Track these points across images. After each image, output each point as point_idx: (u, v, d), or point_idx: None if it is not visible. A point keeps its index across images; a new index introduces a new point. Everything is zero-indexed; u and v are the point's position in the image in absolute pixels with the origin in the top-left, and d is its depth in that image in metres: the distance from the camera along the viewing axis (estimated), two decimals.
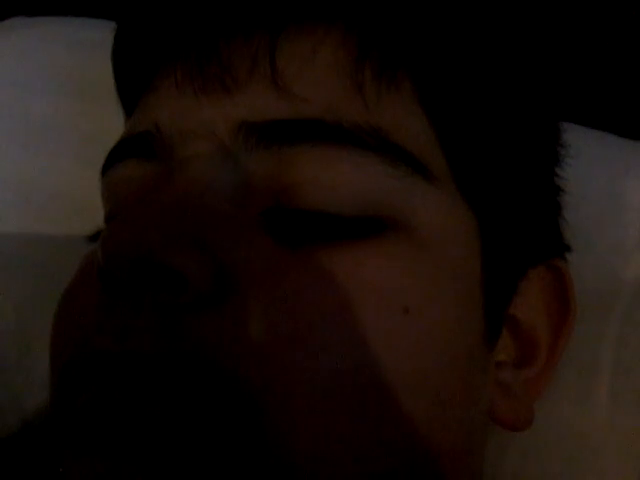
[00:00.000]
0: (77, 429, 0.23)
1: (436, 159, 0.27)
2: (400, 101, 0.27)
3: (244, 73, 0.26)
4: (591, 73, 0.45)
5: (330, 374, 0.23)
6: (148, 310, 0.23)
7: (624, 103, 0.46)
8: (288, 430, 0.22)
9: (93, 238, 0.31)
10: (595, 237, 0.37)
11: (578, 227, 0.35)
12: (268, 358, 0.22)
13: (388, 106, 0.26)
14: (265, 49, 0.26)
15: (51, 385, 0.27)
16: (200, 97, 0.26)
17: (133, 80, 0.30)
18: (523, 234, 0.30)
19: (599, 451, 0.34)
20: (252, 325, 0.23)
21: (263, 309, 0.23)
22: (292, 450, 0.22)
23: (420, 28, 0.27)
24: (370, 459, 0.24)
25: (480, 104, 0.28)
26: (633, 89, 0.47)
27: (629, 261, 0.37)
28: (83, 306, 0.25)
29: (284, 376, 0.22)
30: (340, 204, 0.25)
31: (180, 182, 0.25)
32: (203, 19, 0.27)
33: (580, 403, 0.35)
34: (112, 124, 0.34)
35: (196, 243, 0.23)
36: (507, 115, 0.29)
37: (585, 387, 0.35)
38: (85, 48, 0.46)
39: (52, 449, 0.25)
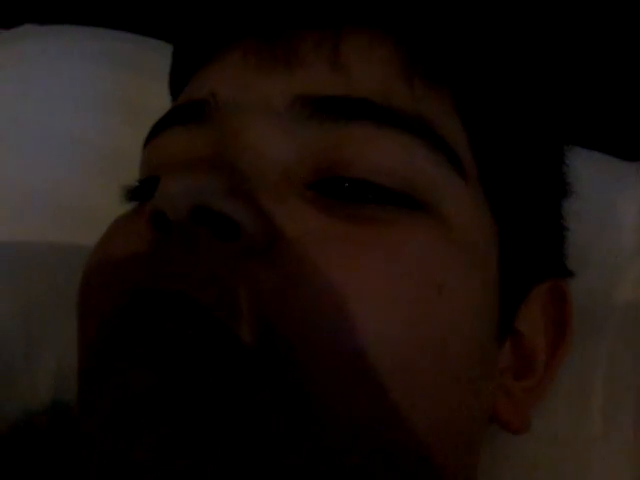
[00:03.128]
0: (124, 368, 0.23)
1: (469, 162, 0.29)
2: (442, 104, 0.29)
3: (307, 52, 0.28)
4: (585, 96, 0.46)
5: (366, 338, 0.24)
6: (202, 255, 0.24)
7: (618, 124, 0.47)
8: (327, 392, 0.23)
9: (132, 196, 0.32)
10: (589, 255, 0.38)
11: (572, 245, 0.36)
12: (305, 317, 0.23)
13: (432, 103, 0.28)
14: (330, 35, 0.28)
15: (84, 338, 0.27)
16: (262, 70, 0.28)
17: (194, 56, 0.32)
18: (536, 247, 0.32)
19: (592, 465, 0.35)
20: (297, 282, 0.24)
21: (310, 272, 0.24)
22: (331, 416, 0.23)
23: (462, 50, 0.30)
24: (395, 427, 0.25)
25: (508, 122, 0.30)
26: (628, 111, 0.48)
27: (621, 279, 0.38)
28: (129, 250, 0.26)
29: (326, 337, 0.23)
30: (387, 177, 0.26)
31: (234, 147, 0.27)
32: (277, 6, 0.29)
33: (574, 418, 0.36)
34: (126, 136, 0.35)
35: (250, 199, 0.25)
36: (530, 132, 0.32)
37: (579, 403, 0.36)
38: (103, 59, 0.46)
39: (56, 445, 0.26)
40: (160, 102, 0.38)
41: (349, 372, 0.24)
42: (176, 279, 0.24)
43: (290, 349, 0.23)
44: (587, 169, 0.39)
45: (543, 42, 0.35)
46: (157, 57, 0.46)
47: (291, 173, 0.27)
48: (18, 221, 0.42)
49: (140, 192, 0.32)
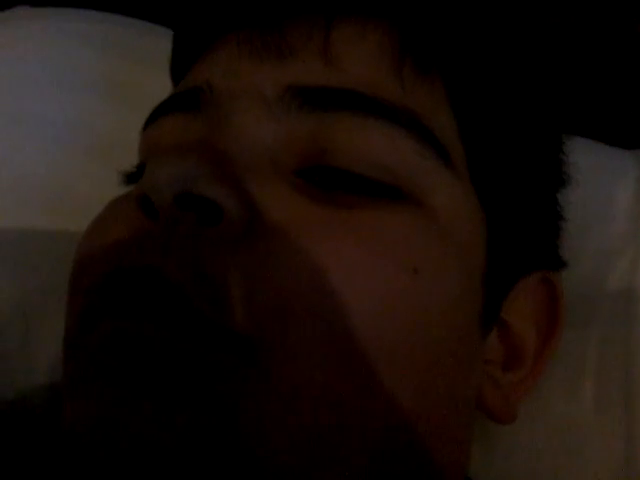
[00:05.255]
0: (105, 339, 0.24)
1: (457, 152, 0.29)
2: (432, 94, 0.29)
3: (299, 43, 0.29)
4: (580, 83, 0.46)
5: (342, 319, 0.24)
6: (184, 238, 0.24)
7: (613, 112, 0.47)
8: (301, 368, 0.24)
9: (128, 180, 0.33)
10: (582, 243, 0.39)
11: (567, 232, 0.36)
12: (286, 299, 0.24)
13: (421, 95, 0.29)
14: (321, 26, 0.29)
15: (70, 311, 0.28)
16: (254, 60, 0.29)
17: (192, 46, 0.33)
18: (525, 238, 0.32)
19: (585, 445, 0.36)
20: (276, 265, 0.24)
21: (288, 254, 0.25)
22: (294, 397, 0.24)
23: (454, 39, 0.30)
24: (367, 410, 0.25)
25: (499, 110, 0.31)
26: (622, 98, 0.48)
27: (613, 267, 0.39)
28: (118, 231, 0.27)
29: (299, 318, 0.24)
30: (369, 167, 0.27)
31: (224, 133, 0.28)
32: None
33: (567, 400, 0.37)
34: (124, 120, 0.35)
35: (235, 184, 0.25)
36: (523, 122, 0.32)
37: (571, 385, 0.37)
38: (97, 42, 0.46)
39: (52, 427, 0.26)
40: (154, 86, 0.38)
41: (325, 348, 0.24)
42: (156, 259, 0.24)
43: (268, 329, 0.24)
44: (582, 157, 0.39)
45: (537, 30, 0.35)
46: (151, 40, 0.46)
47: (279, 160, 0.27)
48: (14, 207, 0.42)
49: (136, 177, 0.32)
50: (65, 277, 0.29)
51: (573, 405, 0.36)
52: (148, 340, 0.23)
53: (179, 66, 0.35)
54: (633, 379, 0.36)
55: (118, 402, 0.23)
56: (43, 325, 0.40)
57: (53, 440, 0.27)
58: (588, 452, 0.36)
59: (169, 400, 0.23)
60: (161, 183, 0.24)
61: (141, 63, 0.45)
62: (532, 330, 0.33)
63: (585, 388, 0.37)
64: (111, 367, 0.24)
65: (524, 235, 0.32)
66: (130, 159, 0.33)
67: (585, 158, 0.39)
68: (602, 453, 0.35)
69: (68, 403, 0.25)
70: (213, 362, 0.24)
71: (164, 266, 0.24)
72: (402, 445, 0.26)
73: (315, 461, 0.25)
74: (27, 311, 0.41)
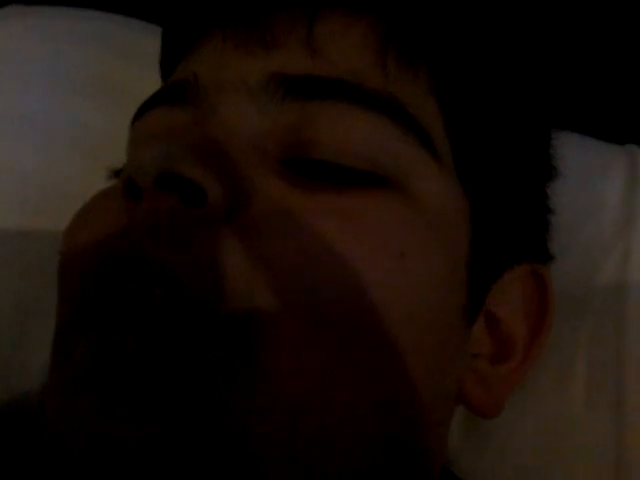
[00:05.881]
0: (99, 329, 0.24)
1: (442, 142, 0.29)
2: (417, 84, 0.29)
3: (283, 35, 0.29)
4: (570, 76, 0.46)
5: (328, 305, 0.25)
6: (167, 220, 0.25)
7: (603, 106, 0.47)
8: (281, 360, 0.24)
9: (115, 175, 0.33)
10: (572, 237, 0.39)
11: (556, 227, 0.37)
12: (268, 282, 0.24)
13: (406, 84, 0.29)
14: (305, 18, 0.29)
15: (60, 307, 0.28)
16: (239, 52, 0.29)
17: (180, 42, 0.33)
18: (511, 230, 0.32)
19: (576, 440, 0.36)
20: (257, 248, 0.25)
21: (270, 237, 0.25)
22: (284, 383, 0.24)
23: (440, 31, 0.30)
24: (354, 394, 0.25)
25: (485, 102, 0.31)
26: (611, 93, 0.48)
27: (603, 262, 0.39)
28: (102, 221, 0.27)
29: (284, 301, 0.24)
30: (352, 157, 0.27)
31: (210, 123, 0.28)
32: None
33: (558, 396, 0.37)
34: (117, 118, 0.35)
35: (218, 167, 0.25)
36: (509, 115, 0.32)
37: (562, 380, 0.37)
38: (90, 41, 0.46)
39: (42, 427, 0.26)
40: (148, 85, 0.38)
41: (307, 330, 0.24)
42: (139, 244, 0.24)
43: (250, 308, 0.24)
44: (572, 152, 0.39)
45: (525, 21, 0.35)
46: (145, 39, 0.46)
47: (263, 148, 0.28)
48: (8, 209, 0.42)
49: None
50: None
51: (564, 400, 0.37)
52: (134, 353, 0.23)
53: (168, 62, 0.35)
54: (624, 374, 0.36)
55: (106, 414, 0.23)
56: (38, 327, 0.40)
57: (46, 444, 0.27)
58: (579, 447, 0.36)
59: (160, 411, 0.23)
60: (145, 163, 0.24)
61: (135, 62, 0.45)
62: (522, 323, 0.33)
63: (576, 383, 0.37)
64: (97, 380, 0.24)
65: (509, 226, 0.32)
66: (120, 157, 0.33)
67: (575, 153, 0.40)
68: (593, 448, 0.36)
69: (52, 411, 0.25)
70: (210, 363, 0.24)
71: (149, 251, 0.24)
72: (384, 432, 0.27)
73: (310, 458, 0.25)
74: (22, 313, 0.41)
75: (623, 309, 0.38)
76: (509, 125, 0.32)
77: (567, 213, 0.37)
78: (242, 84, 0.28)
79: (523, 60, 0.33)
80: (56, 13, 0.49)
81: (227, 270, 0.24)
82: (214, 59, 0.30)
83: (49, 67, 0.46)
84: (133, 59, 0.46)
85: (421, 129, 0.28)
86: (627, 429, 0.36)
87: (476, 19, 0.32)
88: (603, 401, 0.36)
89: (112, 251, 0.25)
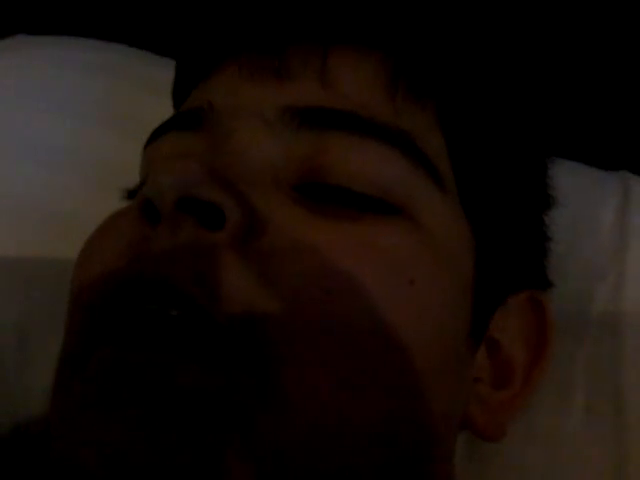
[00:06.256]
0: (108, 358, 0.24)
1: (447, 174, 0.30)
2: (424, 117, 0.30)
3: (298, 67, 0.30)
4: (567, 109, 0.47)
5: (340, 328, 0.25)
6: (186, 242, 0.25)
7: (598, 135, 0.48)
8: (298, 380, 0.24)
9: (129, 195, 0.34)
10: (569, 262, 0.40)
11: (553, 252, 0.37)
12: (281, 307, 0.25)
13: (414, 118, 0.30)
14: (319, 51, 0.30)
15: (71, 326, 0.28)
16: (255, 82, 0.30)
17: (194, 71, 0.34)
18: (513, 257, 0.33)
19: (576, 459, 0.36)
20: (274, 272, 0.25)
21: (286, 262, 0.25)
22: (300, 402, 0.24)
23: (446, 67, 0.31)
24: (367, 413, 0.26)
25: (487, 136, 0.32)
26: (605, 122, 0.49)
27: (600, 285, 0.40)
28: (117, 242, 0.27)
29: (296, 326, 0.25)
30: (365, 185, 0.28)
31: (225, 149, 0.29)
32: (270, 24, 0.31)
33: (558, 415, 0.37)
34: (123, 147, 0.35)
35: (236, 192, 0.26)
36: (510, 147, 0.33)
37: (562, 400, 0.37)
38: (96, 70, 0.47)
39: (46, 454, 0.26)
40: (154, 114, 0.38)
41: (318, 355, 0.25)
42: (160, 266, 0.25)
43: (263, 332, 0.24)
44: (567, 179, 0.40)
45: (523, 57, 0.36)
46: (151, 69, 0.47)
47: (278, 175, 0.28)
48: (12, 229, 0.43)
49: (137, 194, 0.32)
50: (62, 298, 0.30)
51: (564, 420, 0.37)
52: (150, 371, 0.24)
53: (181, 90, 0.36)
54: (622, 394, 0.37)
55: (123, 430, 0.23)
56: (41, 346, 0.40)
57: (51, 467, 0.27)
58: (579, 466, 0.36)
59: (179, 430, 0.23)
60: (164, 186, 0.25)
61: (140, 91, 0.46)
62: (522, 349, 0.33)
63: (575, 403, 0.37)
64: (114, 396, 0.24)
65: (511, 254, 0.33)
66: (127, 184, 0.34)
67: (570, 180, 0.40)
68: (593, 467, 0.36)
69: (62, 430, 0.25)
70: (228, 384, 0.24)
71: (170, 273, 0.24)
72: (380, 451, 0.27)
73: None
74: (24, 332, 0.41)
75: (620, 331, 0.38)
76: (510, 157, 0.33)
77: (563, 239, 0.38)
78: (257, 113, 0.29)
79: (523, 93, 0.35)
80: (63, 43, 0.50)
81: (244, 292, 0.25)
82: (229, 88, 0.31)
83: (54, 96, 0.47)
84: (139, 89, 0.47)
85: (429, 161, 0.29)
86: (627, 449, 0.36)
87: (480, 57, 0.33)
88: (603, 422, 0.37)
89: (130, 271, 0.25)
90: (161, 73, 0.38)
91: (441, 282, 0.28)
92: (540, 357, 0.34)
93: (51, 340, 0.38)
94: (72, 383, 0.26)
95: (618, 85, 0.49)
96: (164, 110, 0.37)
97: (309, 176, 0.28)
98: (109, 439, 0.23)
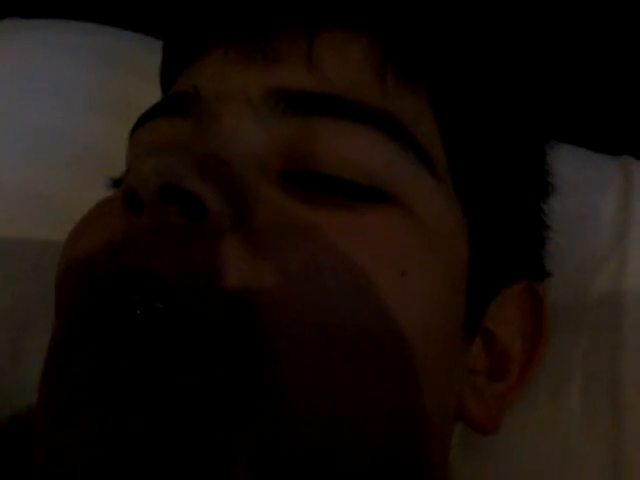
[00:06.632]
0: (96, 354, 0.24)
1: (440, 159, 0.29)
2: (416, 101, 0.30)
3: (284, 49, 0.29)
4: (566, 91, 0.46)
5: (330, 316, 0.25)
6: (170, 233, 0.25)
7: (598, 118, 0.48)
8: (288, 373, 0.24)
9: (115, 184, 0.33)
10: (568, 251, 0.39)
11: (551, 242, 0.37)
12: (271, 293, 0.24)
13: (405, 101, 0.29)
14: (306, 34, 0.30)
15: (58, 321, 0.28)
16: (240, 65, 0.30)
17: (181, 55, 0.34)
18: (508, 246, 0.32)
19: (572, 451, 0.36)
20: (261, 260, 0.25)
21: (272, 248, 0.25)
22: (293, 390, 0.24)
23: (438, 48, 0.31)
24: (361, 406, 0.26)
25: (482, 120, 0.31)
26: (606, 105, 0.48)
27: (597, 276, 0.39)
28: (102, 232, 0.27)
29: (287, 313, 0.24)
30: (353, 173, 0.27)
31: (211, 134, 0.28)
32: (257, 7, 0.31)
33: (554, 407, 0.37)
34: (115, 131, 0.35)
35: (220, 180, 0.25)
36: (506, 132, 0.32)
37: (558, 392, 0.37)
38: (86, 54, 0.47)
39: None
40: (146, 98, 0.38)
41: (310, 343, 0.25)
42: (143, 258, 0.24)
43: (253, 320, 0.24)
44: (566, 165, 0.40)
45: (520, 38, 0.35)
46: (142, 52, 0.46)
47: (264, 160, 0.28)
48: (4, 223, 0.43)
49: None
50: (50, 283, 0.29)
51: (560, 411, 0.37)
52: (136, 371, 0.23)
53: (168, 75, 0.35)
54: (619, 386, 0.36)
55: (112, 431, 0.23)
56: (33, 340, 0.40)
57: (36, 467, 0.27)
58: (575, 458, 0.36)
59: (169, 430, 0.23)
60: (147, 174, 0.24)
61: (133, 75, 0.46)
62: (518, 340, 0.33)
63: (572, 395, 0.37)
64: (101, 397, 0.24)
65: (507, 244, 0.32)
66: (121, 170, 0.34)
67: (570, 165, 0.40)
68: (589, 459, 0.36)
69: (49, 433, 0.25)
70: (217, 380, 0.24)
71: (153, 265, 0.24)
72: (373, 447, 0.27)
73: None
74: (16, 329, 0.41)
75: (618, 322, 0.38)
76: (506, 142, 0.32)
77: (562, 225, 0.37)
78: (243, 96, 0.29)
79: (519, 76, 0.34)
80: (52, 26, 0.49)
81: (230, 282, 0.24)
82: (215, 71, 0.30)
83: (45, 80, 0.46)
84: (131, 72, 0.46)
85: (419, 146, 0.29)
86: (623, 439, 0.36)
87: (474, 37, 0.32)
88: (599, 413, 0.36)
89: (113, 264, 0.25)
90: (152, 57, 0.37)
91: (434, 273, 0.28)
92: (536, 348, 0.33)
93: (42, 328, 0.38)
94: (57, 387, 0.25)
95: (620, 68, 0.48)
96: (154, 95, 0.37)
97: (296, 163, 0.28)
98: (96, 440, 0.23)
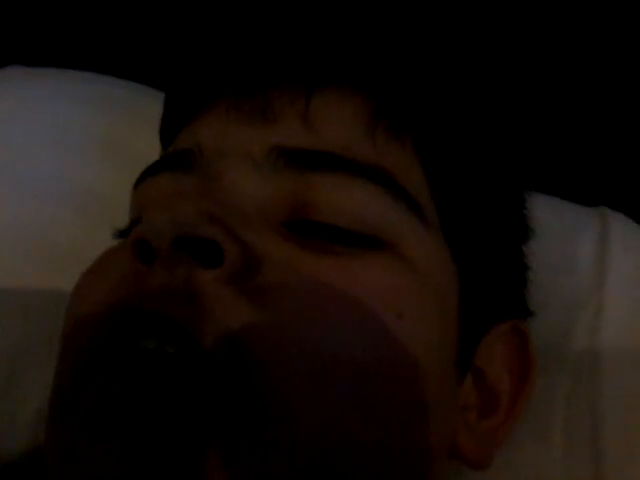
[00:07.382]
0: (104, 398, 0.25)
1: (429, 208, 0.31)
2: (404, 155, 0.32)
3: (282, 109, 0.31)
4: (545, 144, 0.48)
5: (332, 360, 0.26)
6: (184, 280, 0.26)
7: (576, 171, 0.49)
8: (294, 412, 0.25)
9: (121, 234, 0.34)
10: (549, 295, 0.40)
11: (533, 285, 0.38)
12: (281, 338, 0.25)
13: (394, 155, 0.31)
14: (302, 94, 0.32)
15: (65, 358, 0.28)
16: (242, 123, 0.31)
17: (182, 111, 0.35)
18: (495, 287, 0.34)
19: None
20: (271, 308, 0.26)
21: (282, 297, 0.26)
22: (297, 434, 0.25)
23: (424, 107, 0.33)
24: (360, 443, 0.27)
25: (466, 171, 0.33)
26: (583, 158, 0.50)
27: (579, 318, 0.40)
28: (111, 280, 0.28)
29: (293, 357, 0.25)
30: (350, 222, 0.29)
31: (215, 189, 0.30)
32: (256, 66, 0.33)
33: (535, 449, 0.38)
34: (116, 178, 0.36)
35: (230, 230, 0.27)
36: (489, 181, 0.34)
37: (540, 433, 0.38)
38: (85, 101, 0.48)
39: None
40: (146, 146, 0.39)
41: (309, 385, 0.26)
42: (158, 302, 0.25)
43: (258, 364, 0.25)
44: (547, 214, 0.42)
45: (501, 96, 0.38)
46: (143, 101, 0.48)
47: (267, 213, 0.30)
48: (4, 258, 0.43)
49: (129, 232, 0.33)
50: (52, 326, 0.30)
51: (542, 454, 0.38)
52: (147, 407, 0.24)
53: (168, 129, 0.37)
54: (600, 431, 0.37)
55: (122, 464, 0.24)
56: (28, 373, 0.40)
57: None
58: None
59: (179, 465, 0.24)
60: (161, 226, 0.25)
61: (133, 124, 0.47)
62: (506, 377, 0.34)
63: (554, 437, 0.38)
64: (112, 430, 0.24)
65: (493, 284, 0.34)
66: (122, 217, 0.35)
67: (549, 214, 0.42)
68: None
69: (59, 464, 0.26)
70: (226, 420, 0.24)
71: (168, 309, 0.25)
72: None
73: None
74: (12, 357, 0.41)
75: (597, 369, 0.39)
76: (489, 190, 0.34)
77: (543, 271, 0.39)
78: (245, 154, 0.30)
79: (499, 131, 0.36)
80: (55, 75, 0.50)
81: (243, 329, 0.25)
82: (217, 129, 0.32)
83: (47, 128, 0.47)
84: (132, 121, 0.47)
85: (410, 197, 0.31)
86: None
87: (457, 99, 0.34)
88: (581, 456, 0.37)
89: (128, 304, 0.26)
90: (153, 106, 0.39)
91: (428, 314, 0.29)
92: (524, 386, 0.34)
93: (38, 366, 0.39)
94: (66, 416, 0.26)
95: (597, 121, 0.50)
96: (156, 143, 0.38)
97: (297, 213, 0.30)
98: (106, 472, 0.24)
